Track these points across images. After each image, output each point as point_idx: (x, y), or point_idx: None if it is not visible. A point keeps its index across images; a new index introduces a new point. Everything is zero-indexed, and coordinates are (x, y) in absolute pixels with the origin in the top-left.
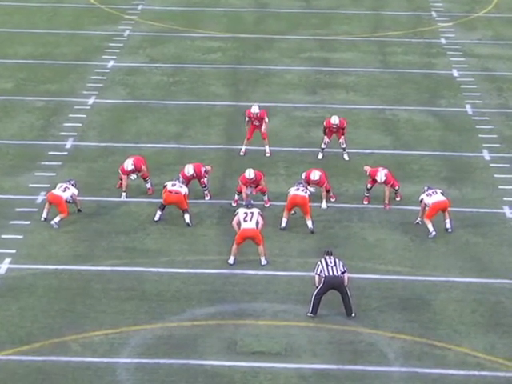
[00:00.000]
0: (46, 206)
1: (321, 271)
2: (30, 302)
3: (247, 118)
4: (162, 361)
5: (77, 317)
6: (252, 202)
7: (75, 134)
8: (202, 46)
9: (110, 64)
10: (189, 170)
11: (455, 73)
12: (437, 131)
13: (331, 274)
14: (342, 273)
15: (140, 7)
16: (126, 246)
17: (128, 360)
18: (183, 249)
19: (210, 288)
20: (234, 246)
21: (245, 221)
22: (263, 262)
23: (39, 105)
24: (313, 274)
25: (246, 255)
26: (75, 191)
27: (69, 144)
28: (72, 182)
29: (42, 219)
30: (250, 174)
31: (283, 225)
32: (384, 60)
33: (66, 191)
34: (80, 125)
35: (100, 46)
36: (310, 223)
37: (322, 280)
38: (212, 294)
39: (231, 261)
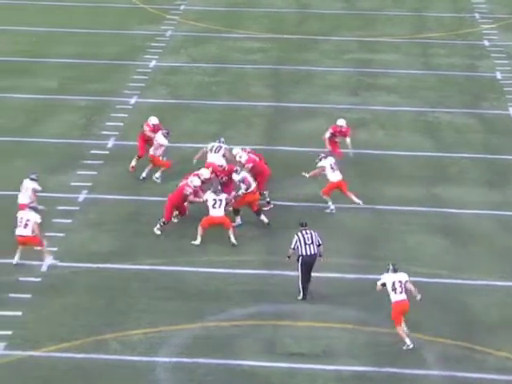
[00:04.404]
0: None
1: (297, 247)
2: (70, 299)
3: (331, 132)
4: (200, 360)
5: (116, 315)
6: (219, 188)
7: (117, 133)
8: (243, 47)
9: (152, 64)
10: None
11: (498, 75)
12: (479, 134)
13: (308, 253)
14: (318, 245)
15: (182, 7)
16: (166, 246)
17: (166, 359)
18: (222, 249)
19: (248, 288)
20: (201, 230)
21: (213, 207)
22: (233, 241)
23: (82, 104)
24: (347, 275)
25: (284, 256)
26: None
27: (110, 143)
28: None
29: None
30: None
31: (332, 207)
32: (426, 62)
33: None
34: (122, 124)
35: (142, 46)
36: (355, 198)
37: (300, 259)
38: (251, 294)
39: (198, 242)
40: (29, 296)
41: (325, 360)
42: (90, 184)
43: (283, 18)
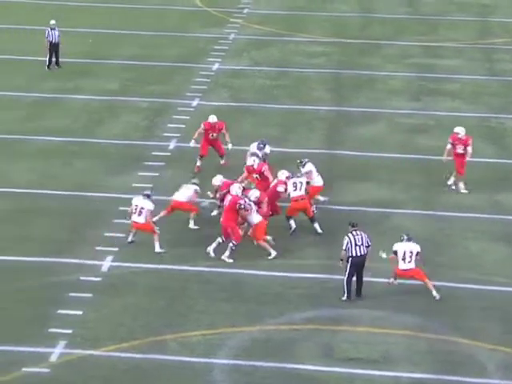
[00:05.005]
0: None
1: (347, 249)
2: (130, 299)
3: (450, 141)
4: (258, 363)
5: (176, 316)
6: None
7: (178, 135)
8: (305, 51)
9: (215, 66)
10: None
11: None
12: None
13: (358, 254)
14: (367, 247)
15: (246, 11)
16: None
17: (225, 361)
18: (282, 252)
19: (308, 292)
20: (262, 242)
21: (257, 212)
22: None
23: (144, 105)
24: (406, 281)
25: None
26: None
27: (172, 145)
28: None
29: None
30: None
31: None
32: (491, 67)
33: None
34: (183, 126)
35: (205, 49)
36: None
37: (350, 260)
38: (310, 298)
39: (274, 253)
40: (89, 295)
41: (383, 366)
42: (150, 185)
43: (346, 23)
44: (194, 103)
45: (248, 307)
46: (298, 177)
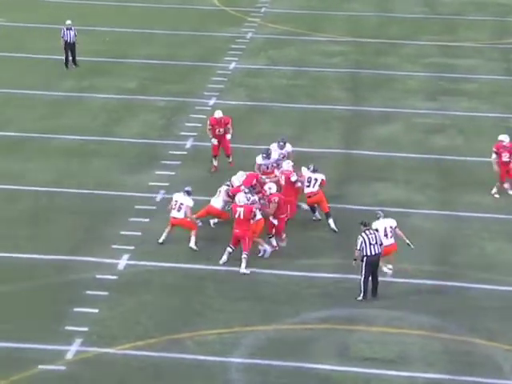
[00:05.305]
0: None
1: (362, 248)
2: (146, 298)
3: (495, 151)
4: (273, 362)
5: (191, 315)
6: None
7: (195, 134)
8: (323, 50)
9: (232, 66)
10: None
11: None
12: None
13: (373, 253)
14: (381, 245)
15: (263, 10)
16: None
17: (240, 360)
18: (297, 252)
19: (323, 292)
20: (259, 240)
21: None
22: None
23: (161, 104)
24: (422, 281)
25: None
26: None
27: (189, 144)
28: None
29: None
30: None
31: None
32: (509, 67)
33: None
34: (200, 125)
35: (223, 48)
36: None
37: (365, 260)
38: (325, 297)
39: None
40: (106, 293)
41: (399, 366)
42: (167, 184)
43: (363, 22)
44: (211, 102)
45: (264, 306)
46: (314, 172)
